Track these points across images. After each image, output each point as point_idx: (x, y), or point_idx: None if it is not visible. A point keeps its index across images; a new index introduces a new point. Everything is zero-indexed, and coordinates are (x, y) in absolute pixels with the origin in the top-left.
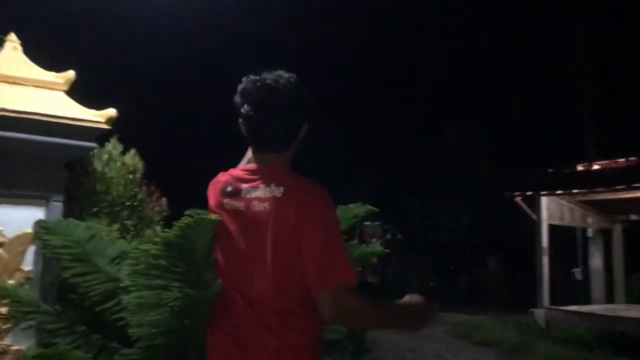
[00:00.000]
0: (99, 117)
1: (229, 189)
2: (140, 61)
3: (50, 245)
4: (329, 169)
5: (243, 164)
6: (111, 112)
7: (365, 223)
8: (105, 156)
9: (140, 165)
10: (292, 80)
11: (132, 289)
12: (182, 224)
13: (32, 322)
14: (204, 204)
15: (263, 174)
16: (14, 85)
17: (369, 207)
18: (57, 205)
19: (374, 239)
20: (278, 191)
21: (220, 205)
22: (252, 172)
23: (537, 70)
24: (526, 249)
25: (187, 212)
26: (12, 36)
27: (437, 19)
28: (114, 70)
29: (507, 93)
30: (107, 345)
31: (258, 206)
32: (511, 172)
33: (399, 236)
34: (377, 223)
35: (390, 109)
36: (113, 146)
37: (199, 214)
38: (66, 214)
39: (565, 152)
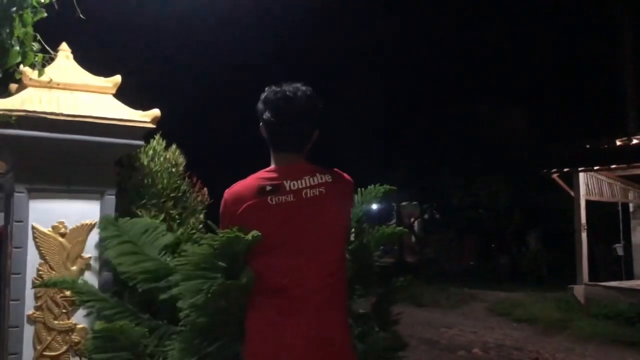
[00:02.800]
0: (145, 117)
1: (268, 188)
2: (180, 60)
3: (108, 238)
4: (367, 151)
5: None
6: (155, 112)
7: (403, 204)
8: (151, 152)
9: (181, 159)
10: (307, 92)
11: (179, 278)
12: (223, 239)
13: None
14: None
15: (300, 169)
16: (68, 91)
17: (387, 186)
18: (111, 199)
19: (411, 219)
20: (327, 178)
21: (260, 205)
22: (285, 169)
23: (575, 42)
24: (566, 226)
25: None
26: (64, 45)
27: None
28: (155, 71)
29: (545, 67)
30: (159, 325)
31: (312, 192)
32: (549, 148)
33: (437, 216)
34: (414, 203)
35: (427, 87)
36: (157, 142)
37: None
38: (118, 206)
39: (605, 127)
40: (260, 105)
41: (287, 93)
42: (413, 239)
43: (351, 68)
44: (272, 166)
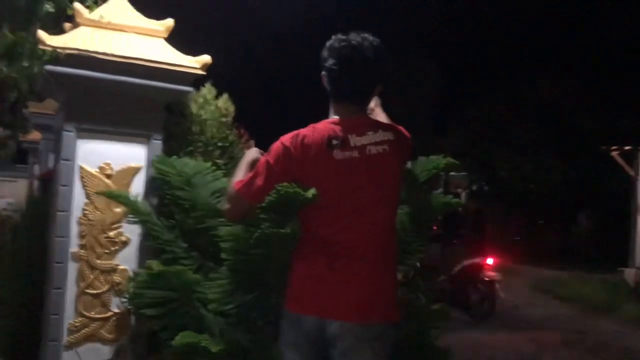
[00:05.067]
0: (195, 63)
1: (334, 141)
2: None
3: (164, 173)
4: (421, 120)
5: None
6: (206, 58)
7: (451, 173)
8: (200, 100)
9: (231, 109)
10: (374, 44)
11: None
12: (282, 192)
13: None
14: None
15: (363, 123)
16: (120, 32)
17: (450, 159)
18: (157, 143)
19: (459, 190)
20: (389, 135)
21: (326, 158)
22: (349, 123)
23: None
24: (621, 207)
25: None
26: None
27: None
28: (208, 18)
29: (609, 35)
30: (204, 264)
31: (375, 149)
32: (610, 125)
33: (485, 188)
34: (463, 174)
35: (482, 59)
36: (207, 90)
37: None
38: (165, 152)
39: None
40: (324, 53)
41: (353, 42)
42: (460, 210)
43: (408, 33)
44: (335, 118)
